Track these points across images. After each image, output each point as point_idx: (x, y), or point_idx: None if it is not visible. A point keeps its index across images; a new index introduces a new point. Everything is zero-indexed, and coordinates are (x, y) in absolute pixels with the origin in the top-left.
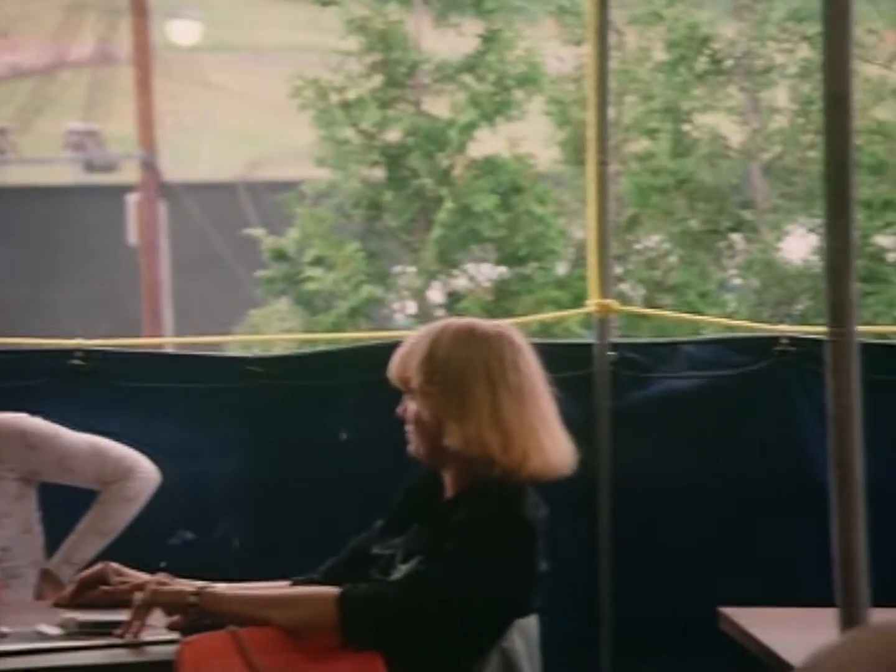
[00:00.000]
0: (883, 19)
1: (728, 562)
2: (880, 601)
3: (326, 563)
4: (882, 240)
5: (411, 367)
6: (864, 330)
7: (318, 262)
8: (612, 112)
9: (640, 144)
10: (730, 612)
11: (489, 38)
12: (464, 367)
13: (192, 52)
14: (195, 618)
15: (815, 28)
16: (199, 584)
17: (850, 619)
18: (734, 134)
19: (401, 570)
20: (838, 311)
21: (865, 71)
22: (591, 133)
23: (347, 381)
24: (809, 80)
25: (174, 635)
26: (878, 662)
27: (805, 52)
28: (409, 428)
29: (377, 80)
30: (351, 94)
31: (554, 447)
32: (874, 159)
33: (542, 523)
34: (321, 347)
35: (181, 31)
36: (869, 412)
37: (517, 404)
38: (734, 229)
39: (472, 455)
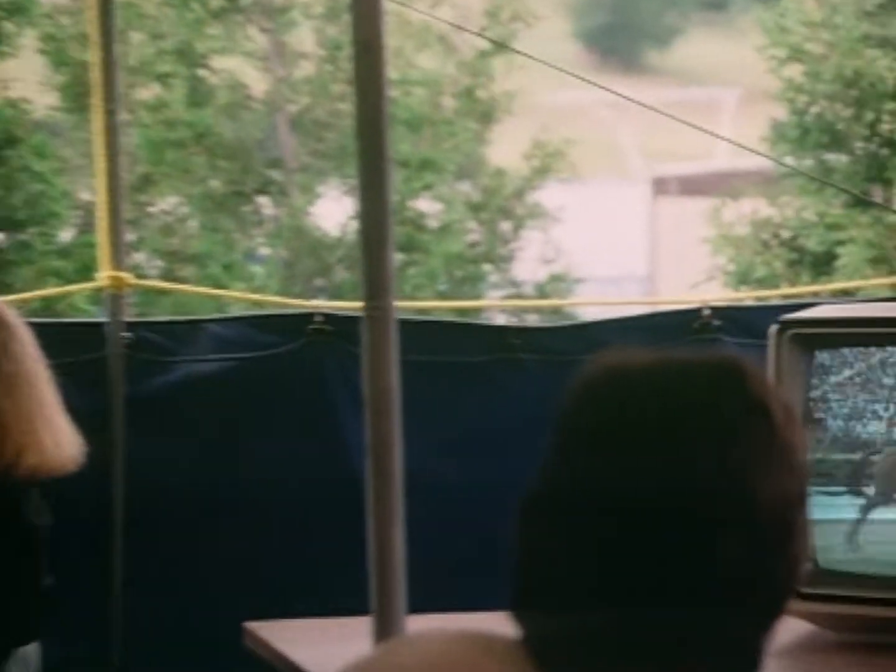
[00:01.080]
0: None
1: (258, 572)
2: (418, 603)
3: None
4: (422, 203)
5: None
6: (404, 305)
7: None
8: (117, 52)
9: (151, 91)
10: (255, 626)
11: None
12: None
13: None
14: None
15: None
16: None
17: (386, 625)
18: (257, 82)
19: None
20: (375, 284)
21: (407, 15)
22: (95, 76)
23: None
24: (337, 22)
25: None
26: None
27: None
28: None
29: None
30: None
31: (54, 441)
32: (412, 113)
33: (46, 531)
34: None
35: None
36: (408, 395)
37: (10, 395)
38: (261, 191)
39: None
